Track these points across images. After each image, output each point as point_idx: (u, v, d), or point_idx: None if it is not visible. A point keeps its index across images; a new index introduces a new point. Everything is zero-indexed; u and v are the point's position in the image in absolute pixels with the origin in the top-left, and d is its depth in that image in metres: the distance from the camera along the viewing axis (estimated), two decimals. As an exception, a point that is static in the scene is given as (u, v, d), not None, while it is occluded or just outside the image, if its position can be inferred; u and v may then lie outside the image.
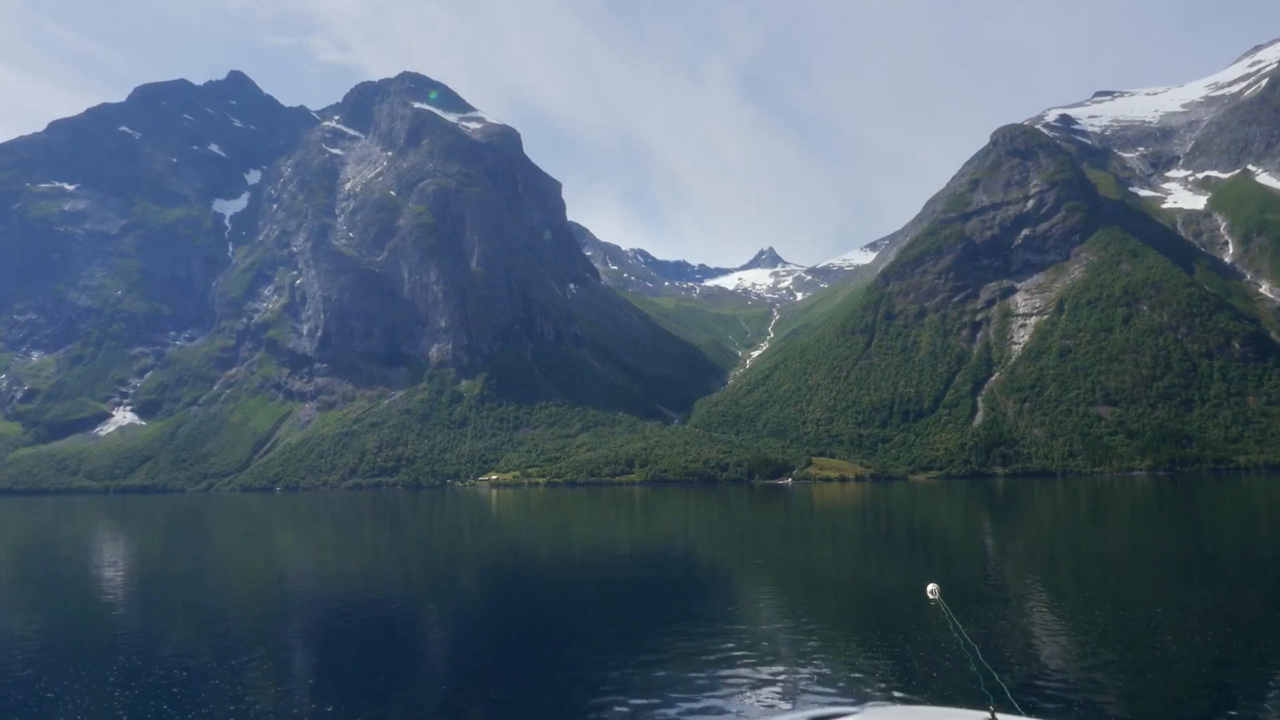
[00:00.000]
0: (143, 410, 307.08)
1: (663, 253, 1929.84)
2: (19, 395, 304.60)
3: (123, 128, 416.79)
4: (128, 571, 42.35)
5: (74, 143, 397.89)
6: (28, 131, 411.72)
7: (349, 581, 35.46)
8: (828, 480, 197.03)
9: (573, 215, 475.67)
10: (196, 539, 65.44)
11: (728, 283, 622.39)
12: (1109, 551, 39.95)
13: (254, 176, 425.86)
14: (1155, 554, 38.45)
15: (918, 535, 53.24)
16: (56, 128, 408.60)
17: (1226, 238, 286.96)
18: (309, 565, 43.93)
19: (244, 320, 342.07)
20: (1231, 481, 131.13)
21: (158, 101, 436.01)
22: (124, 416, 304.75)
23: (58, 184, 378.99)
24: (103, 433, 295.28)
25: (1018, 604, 25.77)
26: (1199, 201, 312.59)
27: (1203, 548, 39.77)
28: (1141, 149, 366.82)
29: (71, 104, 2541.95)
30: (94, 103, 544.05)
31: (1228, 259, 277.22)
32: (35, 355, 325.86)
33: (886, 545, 46.90)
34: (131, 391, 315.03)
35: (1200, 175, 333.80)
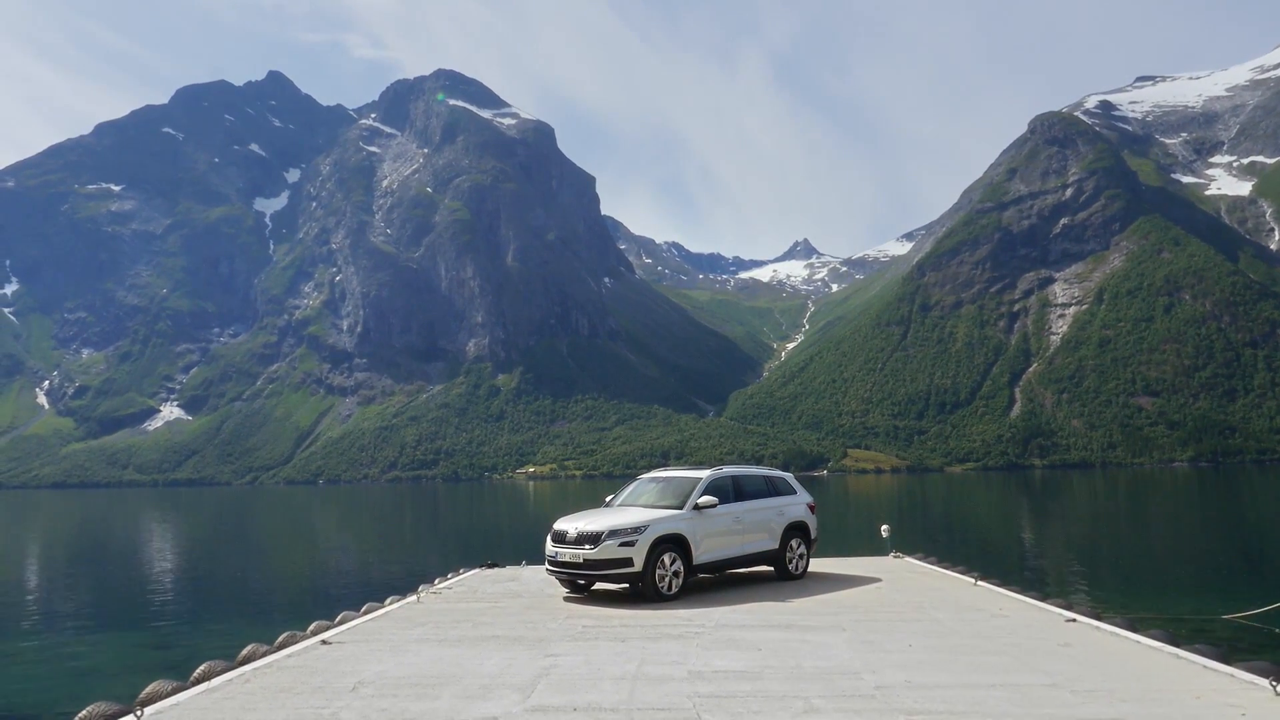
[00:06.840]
0: (189, 405, 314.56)
1: (697, 245, 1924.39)
2: (70, 392, 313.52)
3: (166, 129, 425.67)
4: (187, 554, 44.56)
5: (119, 144, 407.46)
6: (74, 134, 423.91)
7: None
8: (863, 472, 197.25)
9: (607, 209, 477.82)
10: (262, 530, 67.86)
11: (762, 275, 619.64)
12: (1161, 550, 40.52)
13: (293, 175, 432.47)
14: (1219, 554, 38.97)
15: (955, 526, 54.09)
16: (102, 130, 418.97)
17: (1272, 224, 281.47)
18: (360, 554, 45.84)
19: (285, 317, 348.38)
20: (1276, 472, 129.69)
21: (199, 103, 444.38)
22: (171, 412, 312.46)
23: (104, 185, 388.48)
24: (151, 428, 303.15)
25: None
26: (1243, 188, 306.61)
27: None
28: (1184, 134, 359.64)
29: (116, 106, 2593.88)
30: (138, 105, 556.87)
31: (1273, 246, 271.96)
32: (85, 352, 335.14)
33: (922, 535, 47.85)
34: (178, 387, 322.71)
35: (1245, 160, 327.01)
